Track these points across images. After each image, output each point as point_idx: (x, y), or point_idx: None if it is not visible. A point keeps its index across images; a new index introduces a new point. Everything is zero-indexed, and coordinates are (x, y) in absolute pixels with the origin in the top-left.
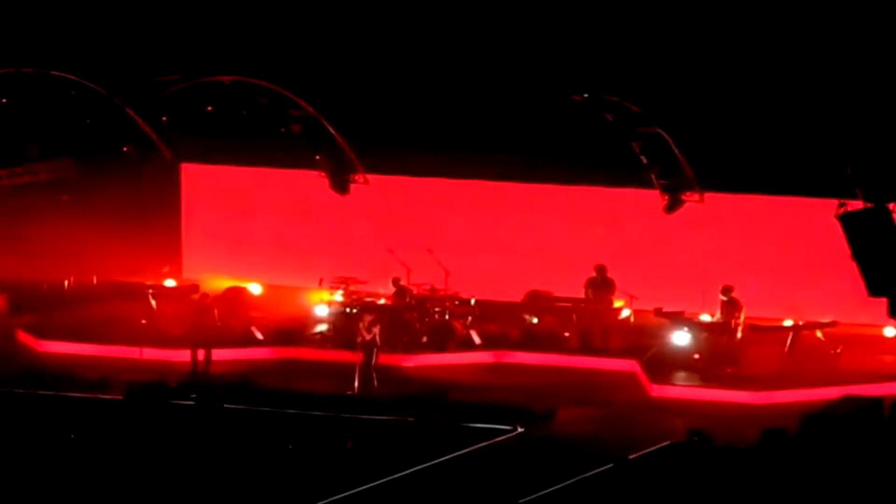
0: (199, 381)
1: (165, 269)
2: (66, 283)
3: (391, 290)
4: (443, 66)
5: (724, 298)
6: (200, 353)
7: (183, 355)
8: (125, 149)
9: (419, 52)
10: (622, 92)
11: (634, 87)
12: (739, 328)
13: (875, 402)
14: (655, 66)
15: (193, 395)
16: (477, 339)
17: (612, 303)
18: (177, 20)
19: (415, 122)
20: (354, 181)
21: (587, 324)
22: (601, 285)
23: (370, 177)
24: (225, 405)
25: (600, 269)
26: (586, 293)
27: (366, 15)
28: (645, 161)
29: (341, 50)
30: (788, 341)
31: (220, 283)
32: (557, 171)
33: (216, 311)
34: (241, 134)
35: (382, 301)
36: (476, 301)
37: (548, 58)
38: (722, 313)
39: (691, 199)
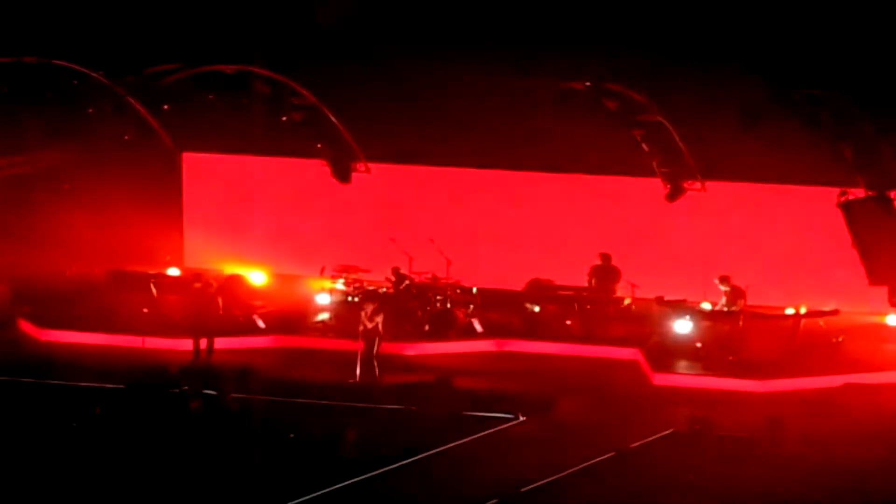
0: (201, 370)
1: (168, 258)
2: (67, 272)
3: (392, 279)
4: (444, 54)
5: (725, 288)
6: (203, 342)
7: (185, 344)
8: (126, 137)
9: (420, 40)
10: (624, 80)
11: (636, 75)
12: (741, 316)
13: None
14: (657, 54)
15: (194, 385)
16: (479, 328)
17: (615, 291)
18: (178, 9)
19: (416, 109)
20: (356, 169)
21: (589, 312)
22: (605, 273)
23: (372, 165)
24: (229, 394)
25: (605, 258)
26: (589, 281)
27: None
28: (646, 149)
29: (343, 38)
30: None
31: (223, 270)
32: (559, 159)
33: (219, 300)
34: (242, 122)
35: (384, 290)
36: (478, 290)
37: (551, 45)
38: (728, 302)
39: (693, 187)
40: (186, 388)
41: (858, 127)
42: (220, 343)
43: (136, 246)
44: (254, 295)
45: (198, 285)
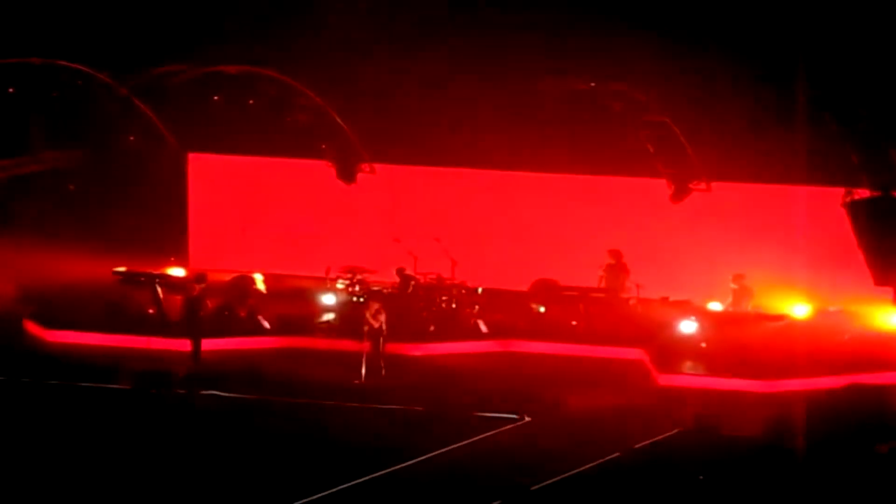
0: (200, 371)
1: (171, 260)
2: (73, 272)
3: (397, 279)
4: (448, 55)
5: (735, 286)
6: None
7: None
8: (132, 138)
9: (424, 42)
10: (629, 80)
11: (641, 76)
12: (747, 316)
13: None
14: (662, 55)
15: (193, 385)
16: (484, 328)
17: (623, 288)
18: (184, 9)
19: (421, 110)
20: (361, 170)
21: (595, 312)
22: (616, 271)
23: (377, 166)
24: (230, 394)
25: (615, 254)
26: (600, 279)
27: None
28: (651, 150)
29: (350, 39)
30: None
31: (228, 271)
32: (564, 160)
33: (207, 301)
34: (247, 123)
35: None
36: (483, 290)
37: (554, 46)
38: (734, 301)
39: (698, 187)
40: None
41: (863, 127)
42: (225, 344)
43: (142, 246)
44: (259, 295)
45: (199, 286)
